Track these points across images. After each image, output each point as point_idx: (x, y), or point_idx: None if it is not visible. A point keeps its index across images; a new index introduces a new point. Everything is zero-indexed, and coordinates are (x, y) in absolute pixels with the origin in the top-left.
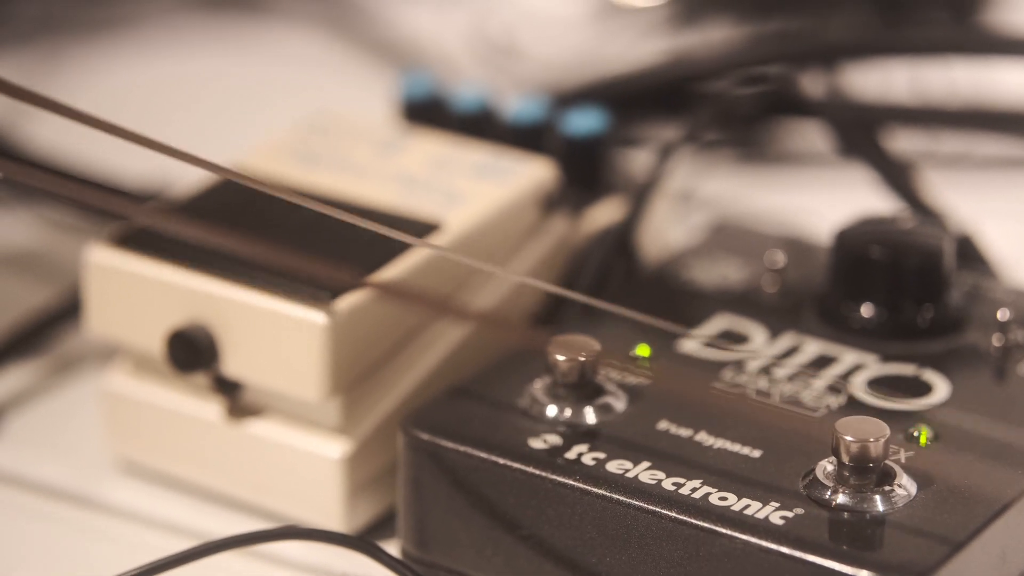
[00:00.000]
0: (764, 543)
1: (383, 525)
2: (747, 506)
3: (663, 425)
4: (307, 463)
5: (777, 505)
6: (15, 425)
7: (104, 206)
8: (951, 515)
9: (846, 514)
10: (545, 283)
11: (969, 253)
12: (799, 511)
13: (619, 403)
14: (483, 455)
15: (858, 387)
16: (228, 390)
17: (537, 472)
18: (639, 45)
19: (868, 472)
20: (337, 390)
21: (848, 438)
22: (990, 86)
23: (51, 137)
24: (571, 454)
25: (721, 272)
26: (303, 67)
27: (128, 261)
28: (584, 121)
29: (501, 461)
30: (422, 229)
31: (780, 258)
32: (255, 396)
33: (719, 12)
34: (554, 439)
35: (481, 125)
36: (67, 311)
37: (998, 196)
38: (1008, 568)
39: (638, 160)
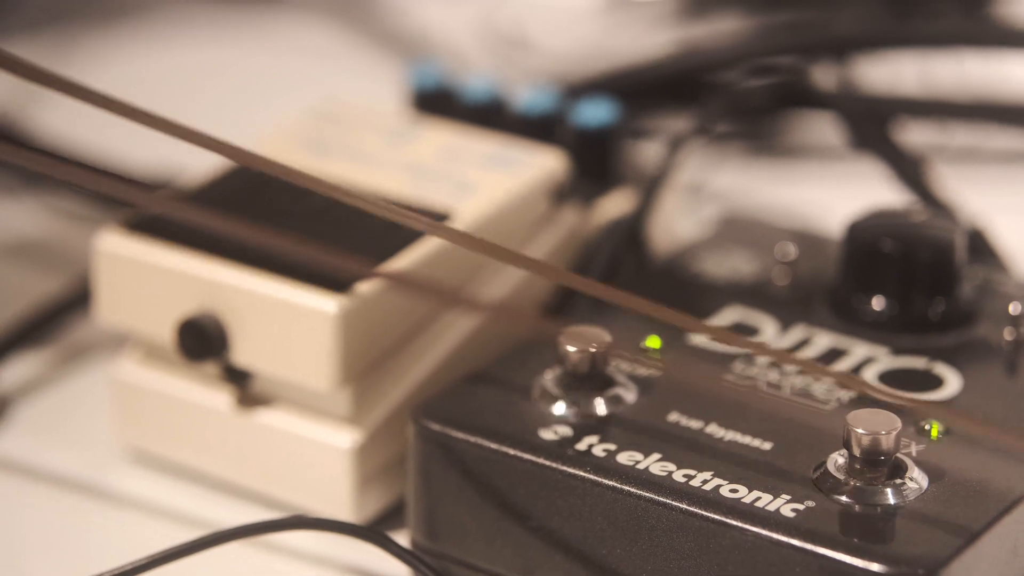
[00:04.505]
0: (775, 535)
1: (393, 515)
2: (758, 498)
3: (674, 417)
4: (317, 453)
5: (788, 497)
6: (25, 414)
7: (115, 194)
8: (963, 508)
9: (857, 507)
10: (556, 266)
11: (981, 247)
12: (810, 503)
13: (629, 394)
14: (493, 446)
15: (869, 380)
16: (238, 379)
17: (547, 463)
18: (649, 37)
19: (879, 465)
20: (347, 380)
21: (859, 431)
22: (1000, 79)
23: (57, 126)
24: (581, 445)
25: (732, 264)
26: (313, 57)
27: (138, 249)
28: (595, 112)
29: (511, 452)
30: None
31: (791, 251)
32: (265, 385)
33: (729, 4)
34: (564, 430)
35: (491, 116)
36: (76, 300)
37: (1009, 190)
38: (1020, 562)
39: (648, 152)
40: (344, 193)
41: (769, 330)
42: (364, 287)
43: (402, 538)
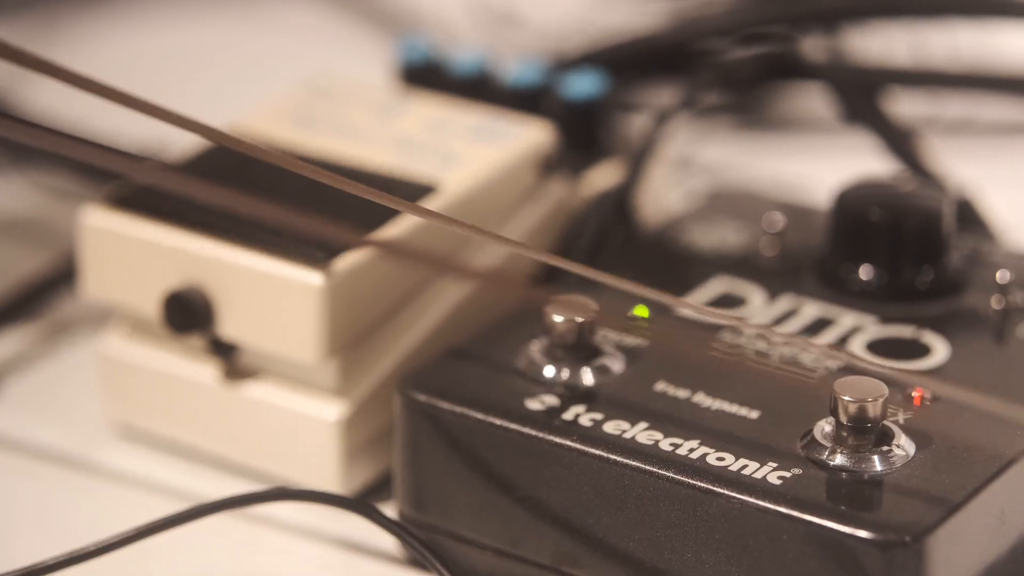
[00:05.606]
0: (762, 503)
1: (380, 487)
2: (744, 466)
3: (661, 386)
4: (304, 425)
5: (775, 465)
6: (11, 389)
7: (100, 164)
8: (949, 475)
9: (844, 474)
10: (539, 247)
11: (969, 216)
12: (797, 471)
13: (617, 364)
14: (480, 416)
15: (857, 349)
16: (224, 352)
17: (534, 433)
18: (638, 11)
19: (866, 432)
20: (334, 352)
21: (846, 398)
22: (992, 49)
23: (47, 103)
24: (568, 415)
25: (720, 235)
26: (301, 32)
27: (123, 223)
28: (583, 84)
29: (498, 422)
30: (419, 191)
31: (779, 221)
32: (251, 358)
33: None
34: (551, 400)
35: (479, 88)
36: (62, 275)
37: (1000, 160)
38: (1007, 528)
39: (637, 124)
40: (322, 174)
41: (757, 300)
42: (350, 259)
43: (389, 510)
